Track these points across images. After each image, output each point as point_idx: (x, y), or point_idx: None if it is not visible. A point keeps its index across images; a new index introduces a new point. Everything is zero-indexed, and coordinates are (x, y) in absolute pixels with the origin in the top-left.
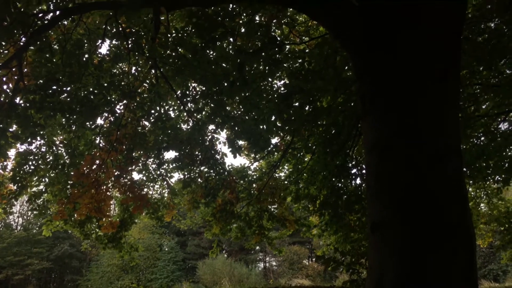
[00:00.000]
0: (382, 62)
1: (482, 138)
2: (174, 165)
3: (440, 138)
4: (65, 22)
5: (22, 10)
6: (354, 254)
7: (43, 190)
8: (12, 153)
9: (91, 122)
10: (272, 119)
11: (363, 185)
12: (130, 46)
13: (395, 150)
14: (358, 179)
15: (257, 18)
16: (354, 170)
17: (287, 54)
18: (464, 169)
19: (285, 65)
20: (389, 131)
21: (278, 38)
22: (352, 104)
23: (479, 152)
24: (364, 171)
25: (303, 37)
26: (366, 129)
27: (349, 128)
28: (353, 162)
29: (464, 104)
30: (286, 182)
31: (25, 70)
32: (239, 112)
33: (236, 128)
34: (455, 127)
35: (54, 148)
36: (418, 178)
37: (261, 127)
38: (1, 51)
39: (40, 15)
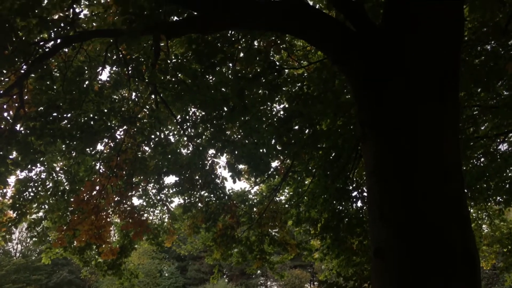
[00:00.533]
0: (380, 87)
1: (482, 159)
2: (174, 190)
3: (440, 162)
4: (66, 50)
5: (23, 38)
6: (357, 278)
7: (43, 217)
8: (12, 180)
9: (91, 148)
10: (272, 143)
11: (364, 208)
12: (130, 72)
13: (395, 175)
14: (359, 201)
15: (256, 43)
16: (355, 193)
17: (286, 79)
18: (465, 190)
19: (284, 89)
20: (389, 156)
21: (277, 63)
22: (351, 127)
23: (479, 173)
24: (365, 194)
25: (302, 61)
26: (367, 154)
27: (349, 150)
28: (354, 185)
29: (463, 126)
30: (286, 205)
31: (26, 97)
32: (239, 136)
33: (236, 152)
34: (455, 150)
35: (54, 175)
36: (418, 202)
37: (261, 150)
38: (2, 79)
39: (41, 43)
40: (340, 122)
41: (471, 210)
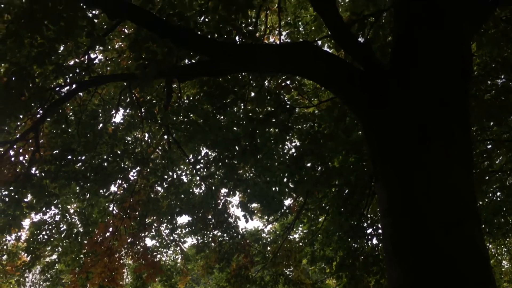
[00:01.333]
0: (390, 127)
1: (498, 194)
2: (187, 229)
3: (454, 199)
4: (81, 94)
5: (40, 84)
6: None
7: (56, 260)
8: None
9: (104, 190)
10: (284, 181)
11: (380, 245)
12: (143, 114)
13: (409, 216)
14: (375, 239)
15: (266, 83)
16: (369, 230)
17: (297, 118)
18: (482, 226)
19: (295, 128)
20: (402, 196)
21: (288, 103)
22: (364, 163)
23: (496, 208)
24: (380, 231)
25: (312, 99)
26: (380, 193)
27: (362, 187)
28: (369, 222)
29: (477, 160)
30: (301, 244)
31: (41, 141)
32: (251, 175)
33: (249, 191)
34: (469, 185)
35: (68, 217)
36: (434, 244)
37: (274, 189)
38: (19, 123)
39: (57, 88)
40: (352, 159)
41: (490, 246)
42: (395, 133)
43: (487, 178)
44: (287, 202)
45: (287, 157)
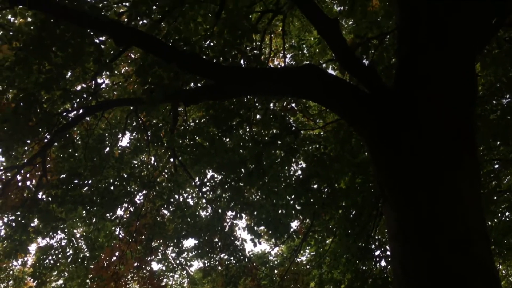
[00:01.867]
0: (396, 148)
1: (507, 214)
2: (193, 253)
3: (462, 222)
4: (88, 118)
5: (47, 110)
6: None
7: (63, 285)
8: (32, 248)
9: (111, 213)
10: (291, 203)
11: (389, 267)
12: (149, 137)
13: (417, 238)
14: (383, 261)
15: (271, 105)
16: (378, 252)
17: (302, 140)
18: (492, 247)
19: (301, 149)
20: (410, 218)
21: (293, 125)
22: (370, 184)
23: (505, 229)
24: (388, 253)
25: (318, 120)
26: (388, 215)
27: (369, 208)
28: (377, 243)
29: (485, 180)
30: (308, 266)
31: (48, 165)
32: (257, 197)
33: (255, 213)
34: (477, 206)
35: (74, 242)
36: (444, 265)
37: (280, 211)
38: (26, 148)
39: (64, 113)
40: (359, 180)
41: (500, 267)
42: (403, 156)
43: (495, 198)
44: (294, 224)
45: (293, 179)
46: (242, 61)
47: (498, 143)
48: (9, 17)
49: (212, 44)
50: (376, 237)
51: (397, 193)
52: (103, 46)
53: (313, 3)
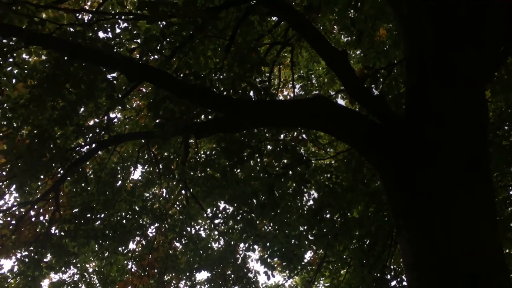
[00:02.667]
0: (409, 178)
1: None
2: (206, 286)
3: (479, 254)
4: (100, 152)
5: (60, 145)
6: None
7: None
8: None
9: (123, 247)
10: (304, 234)
11: None
12: (161, 170)
13: (435, 270)
14: None
15: (282, 136)
16: (394, 283)
17: (314, 170)
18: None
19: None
20: (426, 250)
21: (304, 155)
22: (384, 213)
23: None
24: (404, 283)
25: (328, 149)
26: (403, 246)
27: (383, 238)
28: (392, 274)
29: (500, 207)
30: None
31: (61, 200)
32: (270, 228)
33: (268, 244)
34: (494, 238)
35: (86, 276)
36: None
37: (293, 242)
38: (39, 183)
39: (77, 148)
40: (372, 209)
41: None
42: (417, 187)
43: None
44: (308, 255)
45: (305, 209)
46: (252, 93)
47: None
48: (24, 55)
49: (222, 77)
50: (392, 267)
51: (412, 224)
52: (115, 82)
53: (321, 35)
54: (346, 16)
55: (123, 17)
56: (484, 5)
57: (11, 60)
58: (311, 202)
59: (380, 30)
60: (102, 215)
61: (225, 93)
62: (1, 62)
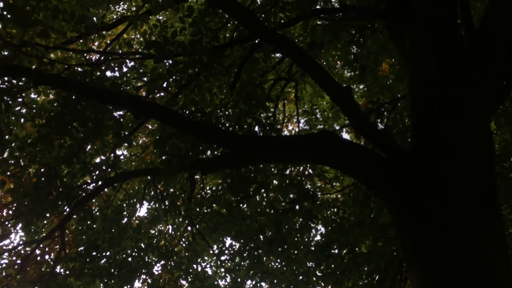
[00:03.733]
0: (418, 213)
1: None
2: None
3: (492, 285)
4: (106, 190)
5: (67, 183)
6: None
7: None
8: None
9: (129, 286)
10: (312, 270)
11: None
12: (167, 207)
13: None
14: None
15: (288, 171)
16: None
17: (320, 205)
18: None
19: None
20: (438, 284)
21: (311, 190)
22: (393, 248)
23: None
24: None
25: (334, 183)
26: (414, 281)
27: (393, 273)
28: None
29: (510, 241)
30: None
31: (66, 238)
32: (277, 264)
33: (275, 281)
34: (506, 271)
35: None
36: None
37: (301, 278)
38: (45, 222)
39: (84, 186)
40: (381, 243)
41: None
42: (428, 222)
43: None
44: None
45: (312, 244)
46: (257, 129)
47: None
48: (33, 95)
49: (227, 113)
50: None
51: (423, 258)
52: (122, 120)
53: (324, 71)
54: (349, 52)
55: (130, 57)
56: (487, 40)
57: (20, 100)
58: (318, 237)
59: (383, 65)
60: (108, 253)
61: (230, 129)
62: (10, 102)
